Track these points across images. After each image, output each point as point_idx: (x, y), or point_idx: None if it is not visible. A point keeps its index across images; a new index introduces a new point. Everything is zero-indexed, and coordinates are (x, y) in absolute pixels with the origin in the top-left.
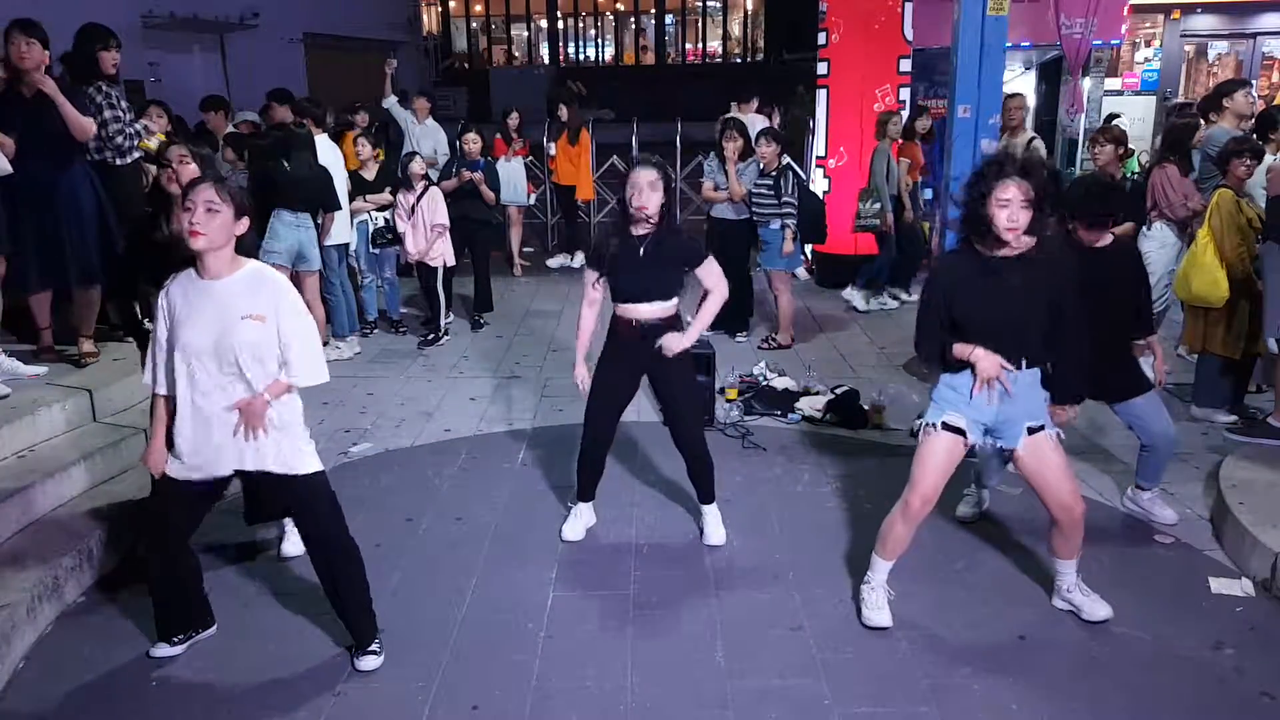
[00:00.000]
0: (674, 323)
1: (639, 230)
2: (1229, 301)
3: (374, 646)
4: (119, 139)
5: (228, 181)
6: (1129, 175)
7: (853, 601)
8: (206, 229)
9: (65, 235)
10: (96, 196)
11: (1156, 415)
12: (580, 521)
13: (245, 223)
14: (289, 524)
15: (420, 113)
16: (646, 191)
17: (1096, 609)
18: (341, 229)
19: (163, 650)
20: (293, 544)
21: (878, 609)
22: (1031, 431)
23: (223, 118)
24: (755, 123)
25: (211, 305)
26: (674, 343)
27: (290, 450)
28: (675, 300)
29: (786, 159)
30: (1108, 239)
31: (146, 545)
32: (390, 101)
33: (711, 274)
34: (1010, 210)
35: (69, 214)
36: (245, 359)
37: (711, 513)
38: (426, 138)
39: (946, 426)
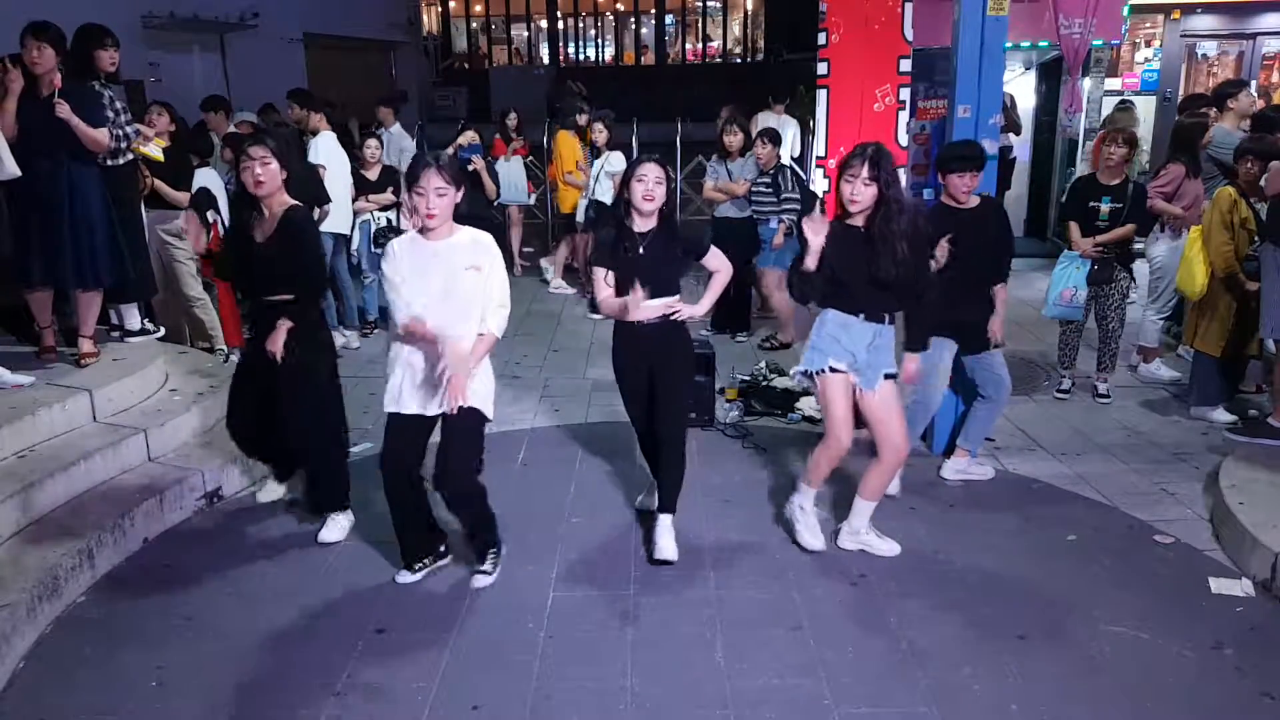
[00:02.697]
0: (672, 323)
1: (640, 226)
2: (1215, 299)
3: (485, 565)
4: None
5: (448, 162)
6: (1130, 177)
7: (851, 595)
8: (438, 210)
9: (73, 235)
10: (104, 199)
11: (1004, 367)
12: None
13: (461, 193)
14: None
15: (386, 119)
16: (653, 184)
17: (885, 546)
18: (338, 219)
19: (405, 577)
20: (330, 531)
21: (814, 533)
22: (886, 378)
23: (223, 118)
24: (785, 124)
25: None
26: (686, 310)
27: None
28: (677, 297)
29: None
30: (974, 201)
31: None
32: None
33: (716, 258)
34: (854, 185)
35: (78, 214)
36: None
37: (665, 524)
38: (392, 144)
39: (833, 370)
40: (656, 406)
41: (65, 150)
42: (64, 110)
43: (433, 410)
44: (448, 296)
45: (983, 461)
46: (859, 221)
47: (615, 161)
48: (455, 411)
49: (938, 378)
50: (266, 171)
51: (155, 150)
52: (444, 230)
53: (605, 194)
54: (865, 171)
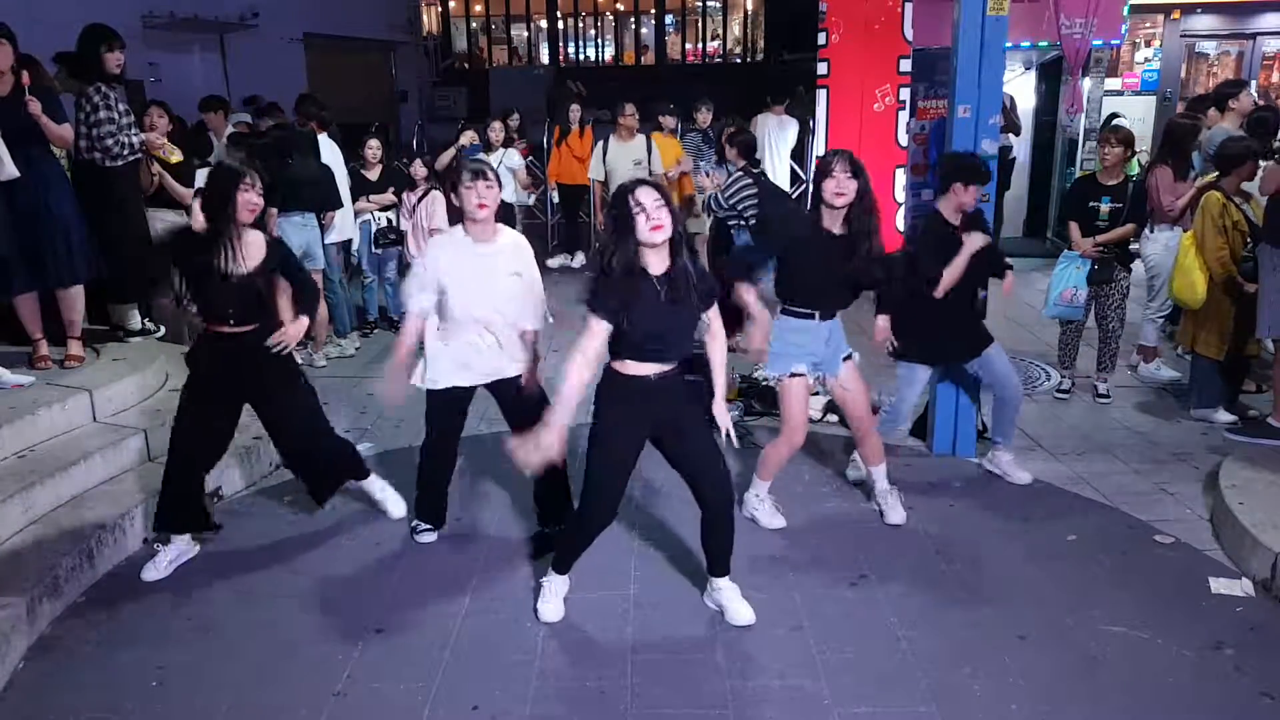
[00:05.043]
0: (682, 375)
1: (656, 266)
2: (1213, 304)
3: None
4: (108, 141)
5: (491, 169)
6: (1131, 177)
7: (851, 595)
8: (490, 204)
9: (41, 234)
10: (72, 195)
11: (1005, 364)
12: (558, 601)
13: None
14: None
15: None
16: (655, 210)
17: (895, 514)
18: (343, 226)
19: (427, 537)
20: (393, 504)
21: (775, 516)
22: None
23: (222, 117)
24: (786, 124)
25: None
26: (723, 419)
27: None
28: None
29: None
30: (956, 219)
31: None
32: None
33: (717, 315)
34: (839, 180)
35: (45, 212)
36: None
37: (729, 587)
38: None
39: (795, 375)
40: (695, 474)
41: (36, 148)
42: (35, 107)
43: (470, 381)
44: (491, 297)
45: (1022, 465)
46: (832, 224)
47: (513, 159)
48: (533, 390)
49: (913, 390)
50: (260, 200)
51: (174, 153)
52: (488, 230)
53: (506, 194)
54: (847, 170)
